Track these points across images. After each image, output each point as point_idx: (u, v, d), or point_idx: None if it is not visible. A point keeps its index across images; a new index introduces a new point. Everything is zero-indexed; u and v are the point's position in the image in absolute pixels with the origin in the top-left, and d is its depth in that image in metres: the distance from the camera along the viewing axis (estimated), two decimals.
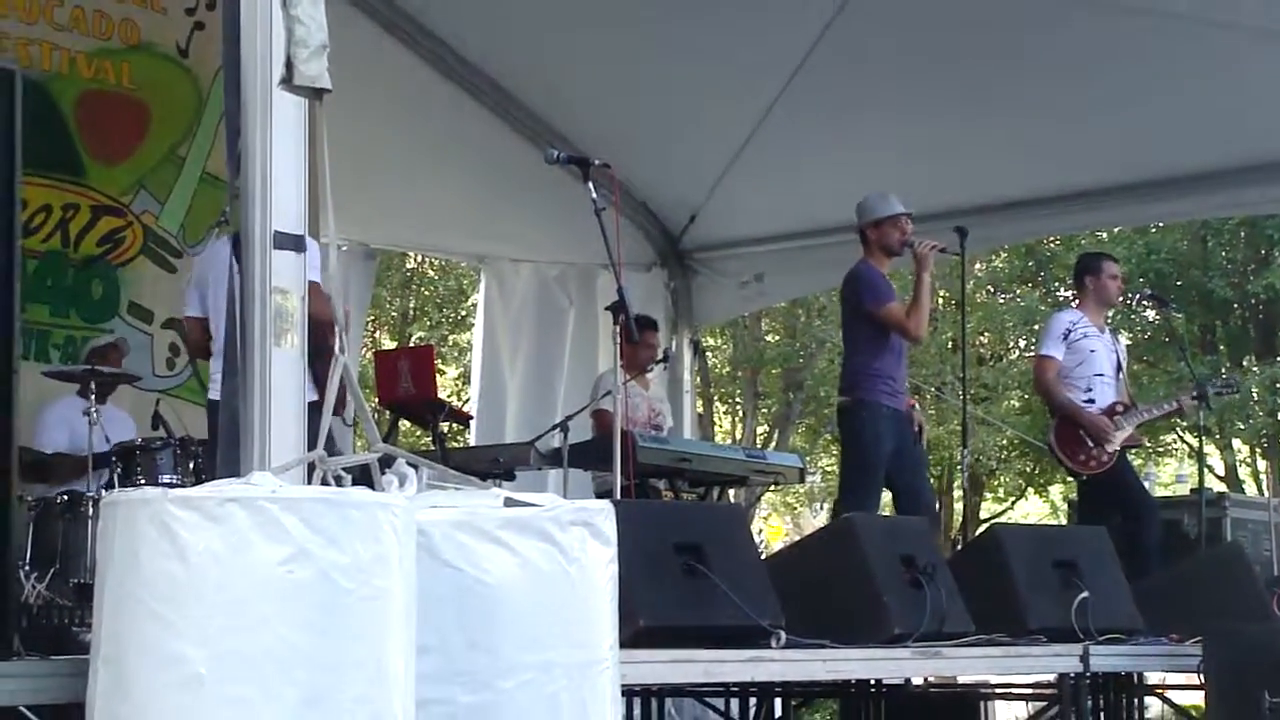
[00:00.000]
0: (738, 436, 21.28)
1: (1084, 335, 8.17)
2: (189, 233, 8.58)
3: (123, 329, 8.31)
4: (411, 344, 19.51)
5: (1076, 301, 8.59)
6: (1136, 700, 7.28)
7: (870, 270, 7.62)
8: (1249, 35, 7.78)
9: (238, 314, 3.86)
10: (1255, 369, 19.26)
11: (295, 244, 3.87)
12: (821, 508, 24.59)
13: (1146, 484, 19.84)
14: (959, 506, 20.58)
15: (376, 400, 8.79)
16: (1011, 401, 19.81)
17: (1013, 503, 23.22)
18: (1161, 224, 17.43)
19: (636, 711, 7.34)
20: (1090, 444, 8.00)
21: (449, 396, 17.62)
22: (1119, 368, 8.26)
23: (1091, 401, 8.10)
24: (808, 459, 19.30)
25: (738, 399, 22.46)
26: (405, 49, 9.12)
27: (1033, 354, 8.99)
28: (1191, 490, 10.03)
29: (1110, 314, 8.63)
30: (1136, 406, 8.24)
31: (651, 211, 10.51)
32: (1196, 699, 6.83)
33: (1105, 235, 17.79)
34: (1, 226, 3.96)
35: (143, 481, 6.25)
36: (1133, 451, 8.43)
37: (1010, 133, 8.93)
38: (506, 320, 10.43)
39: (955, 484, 19.50)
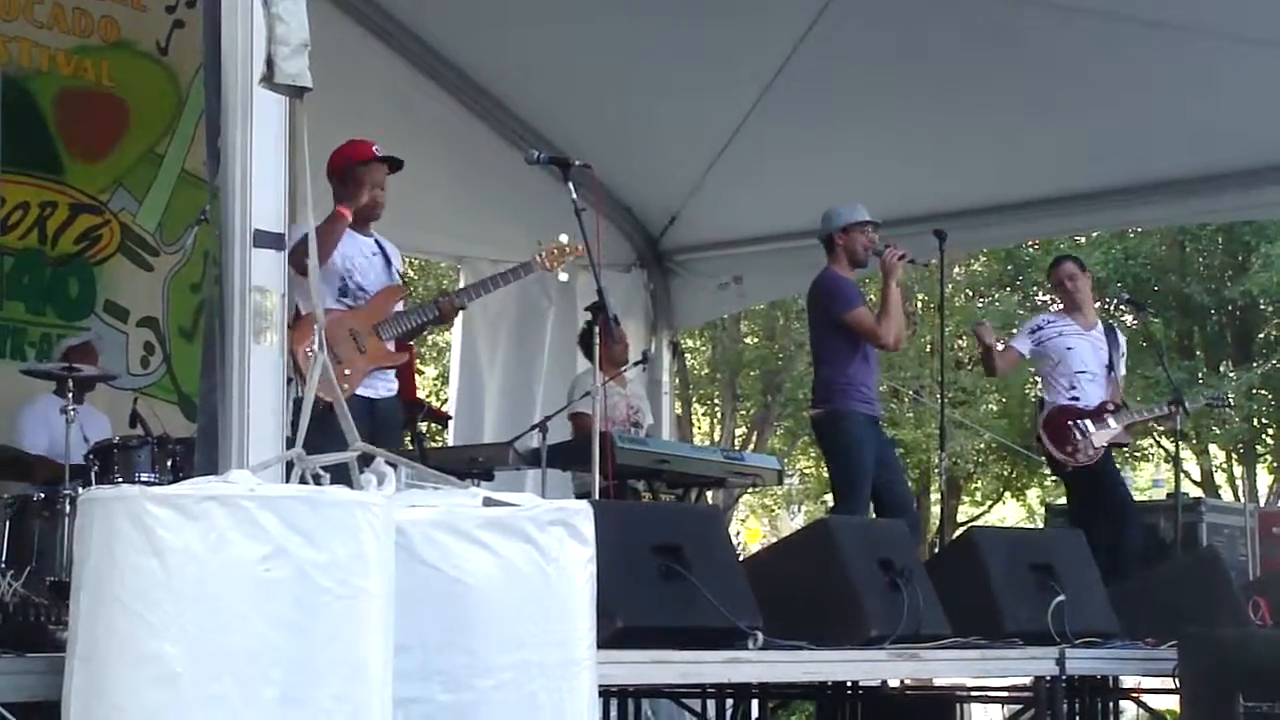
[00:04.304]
0: (716, 438, 21.29)
1: (1059, 334, 8.19)
2: (167, 231, 8.56)
3: (98, 327, 8.29)
4: None
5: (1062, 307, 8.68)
6: (1112, 703, 7.31)
7: (837, 276, 7.61)
8: (1228, 43, 7.80)
9: (216, 312, 3.85)
10: (1232, 374, 19.34)
11: (275, 242, 3.86)
12: (799, 510, 24.62)
13: None
14: (936, 510, 20.58)
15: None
16: (989, 405, 19.86)
17: (990, 506, 23.29)
18: (1139, 229, 17.51)
19: (614, 712, 7.34)
20: (1078, 436, 8.02)
21: (428, 396, 17.59)
22: (1111, 364, 8.23)
23: (1076, 399, 8.10)
24: (786, 461, 19.34)
25: (716, 400, 22.48)
26: (387, 48, 9.12)
27: None
28: (1168, 495, 10.06)
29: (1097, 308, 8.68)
30: (1128, 406, 8.25)
31: (632, 213, 10.51)
32: (1172, 703, 6.85)
33: (1083, 240, 17.85)
34: None
35: (120, 479, 6.23)
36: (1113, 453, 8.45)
37: (989, 137, 8.95)
38: (485, 320, 10.42)
39: (933, 487, 19.52)
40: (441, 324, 6.62)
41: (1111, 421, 8.08)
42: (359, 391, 6.10)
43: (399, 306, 6.42)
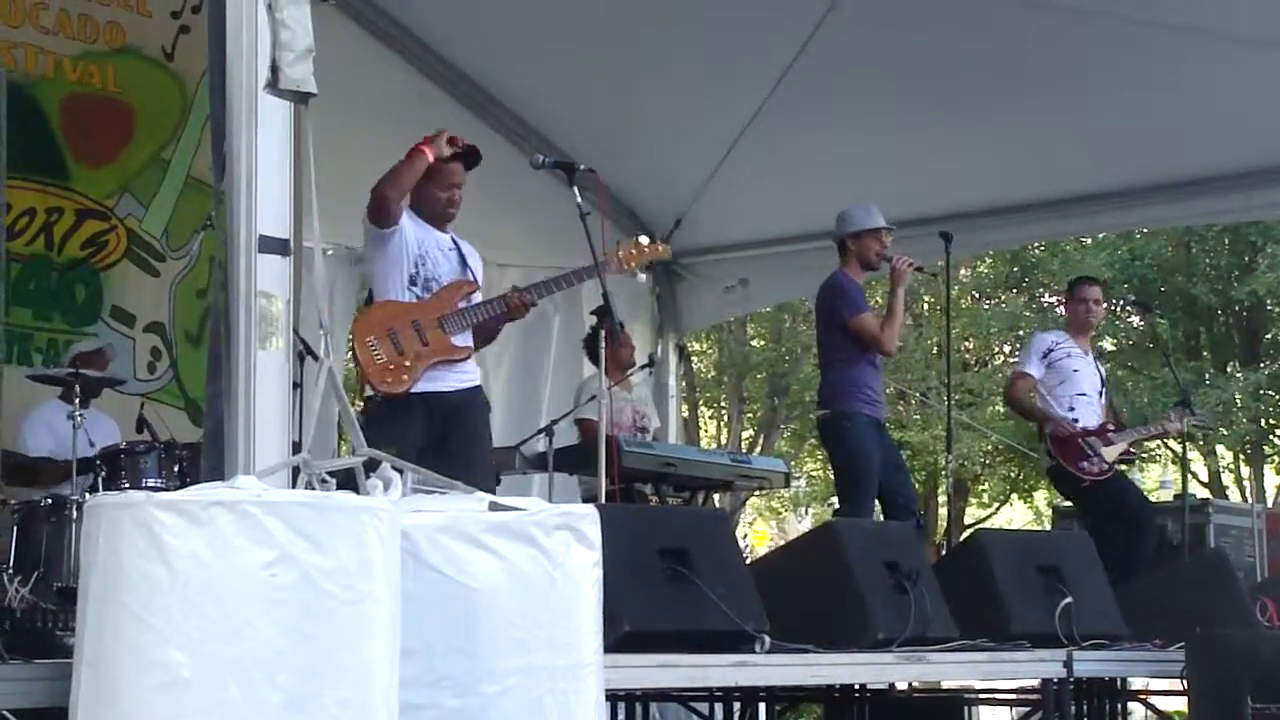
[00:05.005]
0: (723, 441, 21.27)
1: (1067, 355, 8.28)
2: (173, 236, 8.56)
3: (105, 333, 8.28)
4: None
5: (1069, 324, 8.72)
6: (1120, 705, 7.30)
7: (846, 280, 7.62)
8: (1234, 43, 7.80)
9: (222, 317, 3.86)
10: (1239, 375, 19.32)
11: (280, 248, 3.87)
12: (806, 513, 24.60)
13: None
14: (943, 512, 20.59)
15: (361, 404, 8.77)
16: (996, 407, 19.81)
17: (997, 508, 23.26)
18: (1145, 230, 17.49)
19: (621, 716, 7.33)
20: (1090, 452, 8.08)
21: None
22: (1101, 391, 8.37)
23: (1075, 421, 8.18)
24: (793, 464, 19.30)
25: (723, 404, 22.46)
26: (390, 52, 9.12)
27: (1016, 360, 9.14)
28: (1175, 496, 10.07)
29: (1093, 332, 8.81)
30: (1125, 426, 8.38)
31: (637, 216, 10.50)
32: (1179, 704, 6.85)
33: (1089, 241, 17.84)
34: None
35: (127, 485, 6.24)
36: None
37: (995, 139, 8.95)
38: None
39: (940, 489, 19.50)
40: (510, 320, 6.44)
41: (1115, 439, 8.15)
42: (420, 388, 6.04)
43: (469, 300, 6.29)
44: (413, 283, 6.16)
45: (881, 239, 7.61)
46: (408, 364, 6.01)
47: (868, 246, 7.60)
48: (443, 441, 6.00)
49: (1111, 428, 8.25)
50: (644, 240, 6.62)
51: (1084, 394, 8.27)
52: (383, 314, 6.10)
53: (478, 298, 6.32)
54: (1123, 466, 8.44)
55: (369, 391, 6.07)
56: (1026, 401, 8.34)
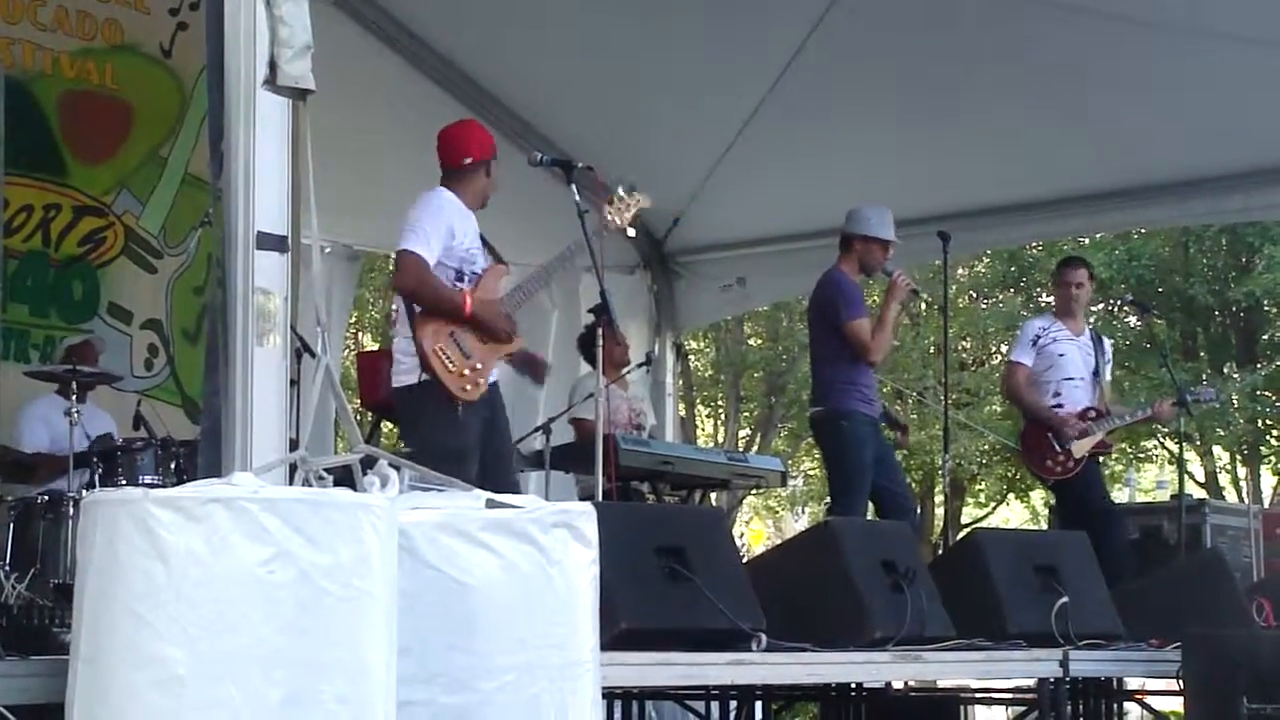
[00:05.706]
0: (720, 440, 21.29)
1: (1054, 340, 8.23)
2: (170, 234, 8.57)
3: (102, 329, 8.29)
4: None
5: (1055, 308, 8.70)
6: (1116, 705, 7.31)
7: (845, 280, 7.60)
8: (1232, 43, 7.80)
9: (219, 314, 3.86)
10: (1236, 376, 19.34)
11: (278, 244, 3.87)
12: (803, 511, 24.62)
13: (1127, 489, 19.91)
14: (940, 511, 20.60)
15: (359, 401, 8.78)
16: (993, 407, 19.85)
17: (994, 508, 23.29)
18: (1143, 230, 17.50)
19: (617, 714, 7.34)
20: (1056, 449, 8.04)
21: None
22: (1096, 371, 8.29)
23: (1060, 406, 8.15)
24: (789, 462, 19.34)
25: (720, 402, 22.48)
26: (389, 50, 9.11)
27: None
28: (1172, 496, 10.06)
29: (1091, 319, 8.72)
30: (1110, 413, 8.27)
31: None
32: (1175, 704, 6.85)
33: (1086, 241, 17.85)
34: None
35: (124, 481, 6.25)
36: (1112, 457, 8.46)
37: (993, 138, 8.94)
38: None
39: (936, 489, 19.52)
40: (545, 288, 6.37)
41: (1093, 429, 8.10)
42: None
43: (505, 286, 6.21)
44: (460, 278, 6.11)
45: (887, 251, 7.60)
46: (478, 365, 5.97)
47: (872, 253, 7.58)
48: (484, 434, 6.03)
49: (1092, 414, 8.18)
50: (620, 193, 6.43)
51: (1070, 378, 8.21)
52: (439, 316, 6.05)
53: (506, 283, 6.26)
54: (1113, 457, 8.40)
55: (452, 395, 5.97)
56: (1023, 392, 8.31)
